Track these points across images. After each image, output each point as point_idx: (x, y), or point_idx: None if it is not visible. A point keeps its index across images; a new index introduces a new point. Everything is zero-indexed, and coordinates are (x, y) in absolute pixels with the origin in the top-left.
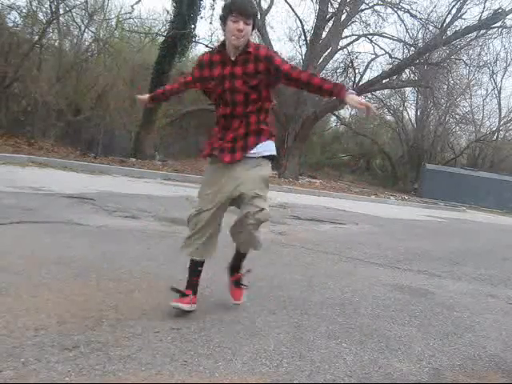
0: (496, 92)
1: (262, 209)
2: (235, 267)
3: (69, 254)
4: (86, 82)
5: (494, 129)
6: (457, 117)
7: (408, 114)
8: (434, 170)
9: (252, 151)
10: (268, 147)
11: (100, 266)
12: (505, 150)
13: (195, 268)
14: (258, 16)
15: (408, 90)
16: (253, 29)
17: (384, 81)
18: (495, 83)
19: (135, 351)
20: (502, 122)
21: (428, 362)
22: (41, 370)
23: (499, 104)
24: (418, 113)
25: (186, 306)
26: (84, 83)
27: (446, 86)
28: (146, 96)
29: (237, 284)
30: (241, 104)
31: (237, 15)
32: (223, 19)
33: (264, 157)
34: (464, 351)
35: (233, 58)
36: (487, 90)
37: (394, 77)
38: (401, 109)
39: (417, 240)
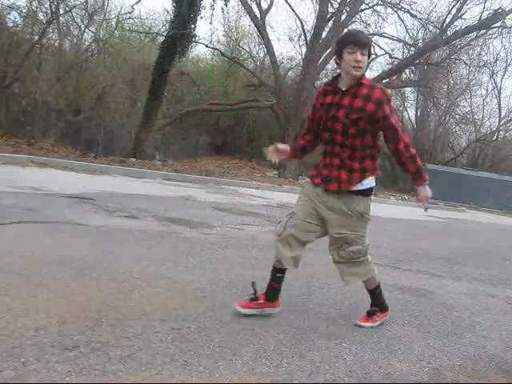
0: (496, 92)
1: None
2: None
3: (69, 253)
4: (86, 82)
5: (494, 129)
6: (457, 117)
7: (408, 114)
8: (434, 170)
9: (347, 186)
10: (363, 183)
11: (100, 266)
12: (505, 150)
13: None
14: (260, 16)
15: (408, 89)
16: (368, 57)
17: (384, 81)
18: (495, 83)
19: (135, 351)
20: (502, 122)
21: (428, 362)
22: (41, 370)
23: (499, 104)
24: (418, 113)
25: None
26: (84, 83)
27: (446, 86)
28: (286, 148)
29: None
30: (339, 133)
31: (353, 46)
32: (338, 53)
33: (359, 191)
34: (464, 351)
35: (343, 89)
36: (487, 90)
37: (394, 77)
38: (401, 109)
39: (417, 240)
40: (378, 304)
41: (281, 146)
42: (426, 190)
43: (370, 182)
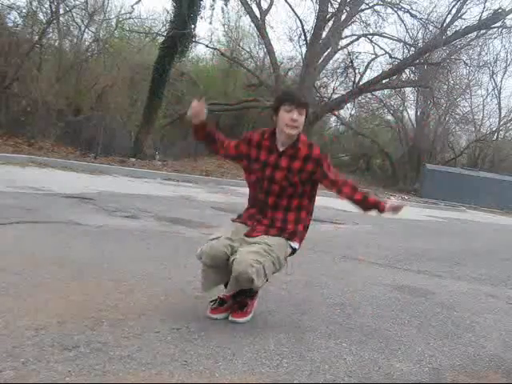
0: (496, 92)
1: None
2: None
3: (69, 253)
4: (86, 82)
5: (494, 129)
6: (457, 117)
7: (408, 114)
8: (435, 170)
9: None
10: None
11: (100, 265)
12: (505, 150)
13: None
14: (258, 16)
15: (408, 90)
16: (305, 117)
17: (384, 81)
18: (495, 83)
19: (135, 351)
20: (501, 122)
21: (428, 362)
22: (41, 369)
23: (499, 104)
24: (418, 113)
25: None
26: (84, 83)
27: (445, 86)
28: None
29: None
30: (275, 195)
31: (290, 105)
32: (275, 109)
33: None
34: (464, 351)
35: (281, 149)
36: (487, 90)
37: (394, 77)
38: (401, 109)
39: (417, 240)
40: (242, 292)
41: (197, 104)
42: (392, 204)
43: (295, 245)
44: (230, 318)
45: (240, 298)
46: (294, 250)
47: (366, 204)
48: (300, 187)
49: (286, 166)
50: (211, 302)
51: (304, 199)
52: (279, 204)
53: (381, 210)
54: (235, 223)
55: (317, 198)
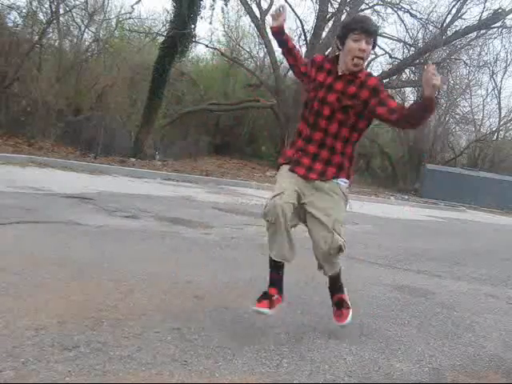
0: (496, 92)
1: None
2: (333, 289)
3: (69, 253)
4: (86, 82)
5: (494, 129)
6: (457, 117)
7: None
8: (435, 170)
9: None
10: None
11: (100, 265)
12: (505, 150)
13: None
14: (259, 15)
15: (408, 90)
16: (373, 48)
17: (384, 81)
18: (495, 83)
19: (135, 351)
20: (502, 122)
21: (428, 362)
22: (41, 370)
23: (499, 104)
24: None
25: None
26: (84, 83)
27: (445, 86)
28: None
29: (338, 305)
30: (324, 118)
31: (360, 33)
32: (342, 37)
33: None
34: (464, 351)
35: (340, 73)
36: (487, 90)
37: (394, 77)
38: None
39: (417, 240)
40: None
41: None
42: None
43: (343, 182)
44: (337, 323)
45: (334, 299)
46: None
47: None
48: (352, 116)
49: (341, 89)
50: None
51: (352, 134)
52: (328, 130)
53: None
54: (286, 169)
55: None
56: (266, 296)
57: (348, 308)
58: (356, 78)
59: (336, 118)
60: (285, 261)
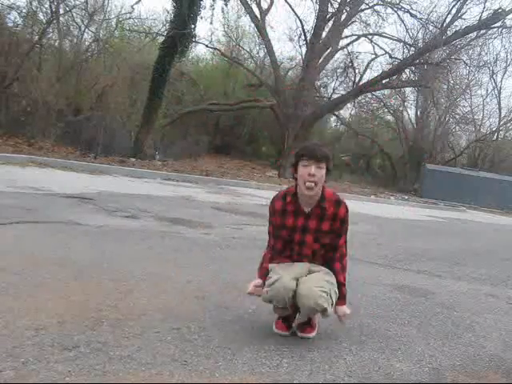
0: (496, 92)
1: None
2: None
3: (69, 253)
4: (86, 82)
5: (494, 129)
6: (457, 117)
7: (408, 114)
8: (435, 170)
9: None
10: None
11: (100, 265)
12: (505, 150)
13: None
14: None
15: (408, 90)
16: (327, 173)
17: (384, 81)
18: (495, 83)
19: (135, 351)
20: (502, 122)
21: (428, 362)
22: (41, 370)
23: (499, 104)
24: (418, 113)
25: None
26: (84, 83)
27: (445, 86)
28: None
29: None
30: (306, 257)
31: (308, 159)
32: (295, 166)
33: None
34: (464, 351)
35: (306, 211)
36: (487, 90)
37: (394, 77)
38: (401, 109)
39: (417, 240)
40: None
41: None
42: (345, 309)
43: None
44: (300, 335)
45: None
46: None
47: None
48: (329, 245)
49: (316, 228)
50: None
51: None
52: (315, 255)
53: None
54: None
55: None
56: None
57: (313, 328)
58: (324, 210)
59: (318, 254)
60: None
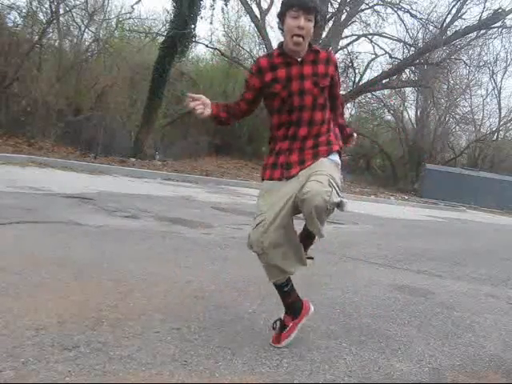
0: (496, 92)
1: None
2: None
3: (69, 253)
4: (86, 82)
5: (494, 129)
6: (457, 117)
7: (408, 114)
8: (435, 170)
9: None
10: (329, 157)
11: (100, 265)
12: (505, 150)
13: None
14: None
15: (408, 90)
16: (315, 24)
17: (384, 81)
18: (495, 83)
19: (135, 351)
20: (501, 122)
21: (428, 362)
22: (41, 370)
23: (499, 104)
24: (418, 113)
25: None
26: (84, 83)
27: (446, 86)
28: (208, 108)
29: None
30: (309, 109)
31: (297, 10)
32: (281, 17)
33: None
34: (464, 351)
35: (299, 59)
36: (487, 90)
37: (394, 77)
38: (401, 109)
39: (417, 240)
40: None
41: (198, 100)
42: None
43: (336, 157)
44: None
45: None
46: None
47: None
48: (327, 96)
49: (312, 72)
50: (274, 322)
51: (330, 121)
52: (314, 119)
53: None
54: (269, 184)
55: None
56: (275, 327)
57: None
58: (318, 54)
59: (318, 104)
60: (286, 276)
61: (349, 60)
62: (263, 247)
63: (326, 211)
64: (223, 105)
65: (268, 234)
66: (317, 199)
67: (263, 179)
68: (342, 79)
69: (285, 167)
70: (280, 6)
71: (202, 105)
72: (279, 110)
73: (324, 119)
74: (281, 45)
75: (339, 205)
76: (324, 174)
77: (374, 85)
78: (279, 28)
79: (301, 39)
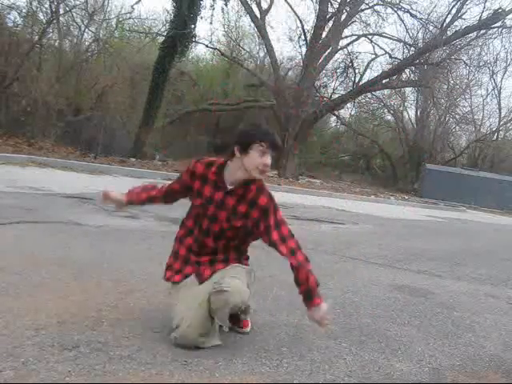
0: (496, 92)
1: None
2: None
3: (69, 253)
4: (86, 82)
5: (494, 129)
6: (457, 117)
7: (408, 114)
8: (435, 170)
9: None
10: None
11: (100, 265)
12: (505, 150)
13: None
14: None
15: (408, 90)
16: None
17: (384, 81)
18: (495, 83)
19: (135, 351)
20: (501, 122)
21: (428, 362)
22: (41, 370)
23: (499, 104)
24: (418, 113)
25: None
26: (84, 83)
27: (446, 86)
28: (118, 196)
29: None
30: (213, 235)
31: (267, 146)
32: (244, 145)
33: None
34: (464, 351)
35: (229, 187)
36: (487, 90)
37: (394, 77)
38: (401, 109)
39: (417, 240)
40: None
41: (113, 194)
42: (323, 310)
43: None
44: (241, 330)
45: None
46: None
47: (303, 289)
48: (241, 234)
49: (232, 206)
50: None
51: (243, 243)
52: (217, 247)
53: (308, 307)
54: (179, 285)
55: (316, 197)
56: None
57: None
58: (247, 191)
59: (225, 236)
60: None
61: (349, 60)
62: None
63: (238, 309)
64: (141, 189)
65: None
66: (236, 296)
67: (174, 281)
68: (341, 79)
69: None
70: (245, 134)
71: (110, 199)
72: (194, 221)
73: (229, 247)
74: (222, 166)
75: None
76: (239, 275)
77: (373, 85)
78: (236, 154)
79: (266, 172)
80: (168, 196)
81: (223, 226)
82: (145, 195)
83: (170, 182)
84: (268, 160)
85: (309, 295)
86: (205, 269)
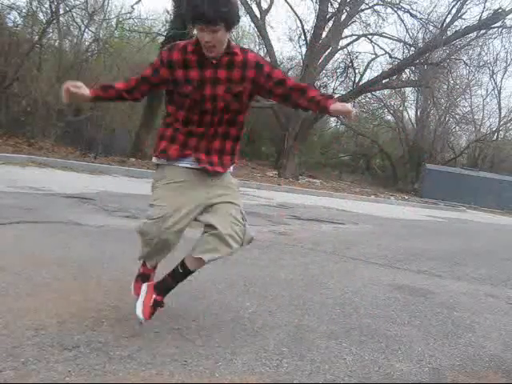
0: (496, 92)
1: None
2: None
3: (69, 254)
4: (86, 82)
5: (494, 129)
6: (457, 117)
7: (408, 114)
8: (435, 170)
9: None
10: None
11: (100, 265)
12: (505, 150)
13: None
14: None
15: (408, 90)
16: (228, 30)
17: (384, 81)
18: (495, 83)
19: (135, 351)
20: (501, 122)
21: (428, 362)
22: (41, 370)
23: (499, 104)
24: (418, 113)
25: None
26: (84, 83)
27: (445, 86)
28: (81, 90)
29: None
30: (219, 113)
31: (200, 23)
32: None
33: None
34: (464, 351)
35: (214, 61)
36: (487, 90)
37: (394, 77)
38: (401, 109)
39: (417, 240)
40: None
41: (72, 86)
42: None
43: (232, 169)
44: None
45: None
46: None
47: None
48: (245, 100)
49: (226, 77)
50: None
51: (241, 117)
52: (224, 122)
53: (328, 105)
54: (176, 173)
55: (316, 197)
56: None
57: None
58: (234, 55)
59: (231, 110)
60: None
61: (349, 60)
62: (161, 246)
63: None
64: (107, 85)
65: (170, 236)
66: (234, 240)
67: (168, 159)
68: (342, 79)
69: (205, 153)
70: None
71: (76, 87)
72: (189, 110)
73: (232, 123)
74: (197, 42)
75: (252, 239)
76: (236, 204)
77: (374, 85)
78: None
79: (214, 48)
80: (138, 88)
81: (226, 99)
82: (113, 91)
83: (141, 79)
84: (206, 37)
85: (325, 97)
86: (202, 154)
